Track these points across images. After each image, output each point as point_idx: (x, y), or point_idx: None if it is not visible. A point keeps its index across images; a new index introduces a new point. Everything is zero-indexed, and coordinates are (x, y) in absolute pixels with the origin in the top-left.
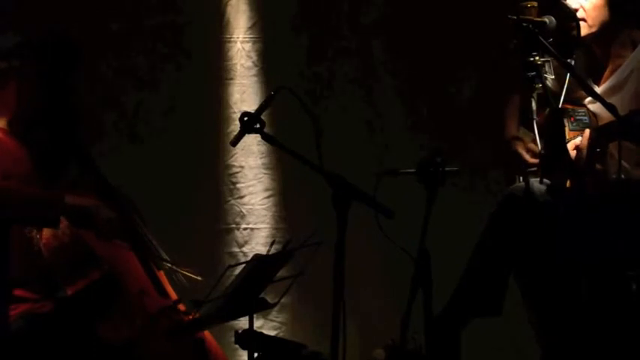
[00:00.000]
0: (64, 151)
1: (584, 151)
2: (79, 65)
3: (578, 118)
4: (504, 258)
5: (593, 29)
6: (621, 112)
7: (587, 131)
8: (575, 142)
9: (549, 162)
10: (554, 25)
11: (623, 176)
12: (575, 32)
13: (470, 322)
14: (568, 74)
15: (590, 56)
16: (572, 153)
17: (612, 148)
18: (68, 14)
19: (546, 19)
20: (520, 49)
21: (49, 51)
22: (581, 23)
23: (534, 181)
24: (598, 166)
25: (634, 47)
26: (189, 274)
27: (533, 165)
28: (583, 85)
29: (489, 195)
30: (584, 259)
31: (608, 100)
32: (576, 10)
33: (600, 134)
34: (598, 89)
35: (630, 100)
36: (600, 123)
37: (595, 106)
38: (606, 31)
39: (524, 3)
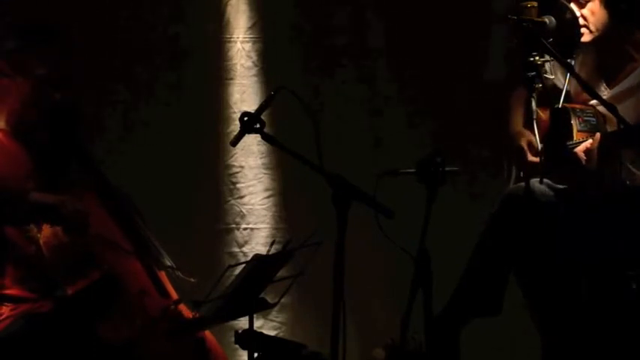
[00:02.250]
0: (64, 151)
1: (594, 153)
2: (55, 40)
3: (586, 118)
4: (504, 258)
5: (597, 33)
6: (635, 114)
7: (598, 135)
8: (586, 144)
9: (549, 162)
10: (554, 25)
11: (628, 182)
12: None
13: (470, 322)
14: (568, 74)
15: (602, 57)
16: (582, 155)
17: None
18: (67, 14)
19: (546, 19)
20: (520, 49)
21: (19, 31)
22: (585, 30)
23: (534, 181)
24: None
25: None
26: (182, 277)
27: (533, 164)
28: (583, 85)
29: (489, 195)
30: (584, 259)
31: (621, 103)
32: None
33: (608, 141)
34: (610, 91)
35: None
36: (608, 123)
37: (603, 107)
38: (611, 32)
39: (524, 3)
